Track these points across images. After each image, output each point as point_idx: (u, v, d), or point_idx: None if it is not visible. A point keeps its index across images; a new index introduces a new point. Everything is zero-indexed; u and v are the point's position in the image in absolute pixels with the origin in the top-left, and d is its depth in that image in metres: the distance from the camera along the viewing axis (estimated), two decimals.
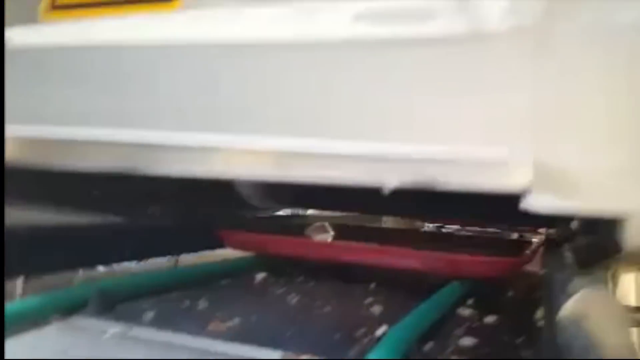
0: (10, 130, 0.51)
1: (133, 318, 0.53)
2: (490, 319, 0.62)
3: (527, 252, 0.88)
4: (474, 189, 0.36)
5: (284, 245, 0.83)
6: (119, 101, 0.49)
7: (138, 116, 0.48)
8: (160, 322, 0.53)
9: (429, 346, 0.50)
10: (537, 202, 0.34)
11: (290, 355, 0.46)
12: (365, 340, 0.51)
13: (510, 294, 0.77)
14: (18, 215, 0.69)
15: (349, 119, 0.40)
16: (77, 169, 0.52)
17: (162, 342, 0.48)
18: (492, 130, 0.36)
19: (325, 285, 0.75)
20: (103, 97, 0.49)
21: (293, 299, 0.66)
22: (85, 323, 0.52)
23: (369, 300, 0.66)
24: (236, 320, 0.55)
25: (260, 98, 0.43)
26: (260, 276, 0.78)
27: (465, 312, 0.64)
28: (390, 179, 0.39)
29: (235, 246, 0.88)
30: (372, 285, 0.73)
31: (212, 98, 0.44)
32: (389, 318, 0.55)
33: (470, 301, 0.67)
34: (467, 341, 0.52)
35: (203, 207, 1.10)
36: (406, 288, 0.74)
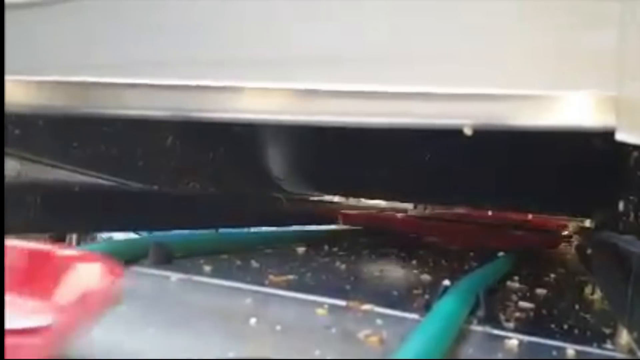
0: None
1: (192, 270, 0.54)
2: (540, 290, 0.62)
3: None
4: (560, 129, 0.36)
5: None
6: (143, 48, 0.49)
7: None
8: (220, 274, 0.53)
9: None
10: (628, 138, 0.34)
11: (356, 303, 0.46)
12: (426, 296, 0.51)
13: (552, 275, 0.77)
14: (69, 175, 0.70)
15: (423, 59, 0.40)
16: (119, 115, 0.52)
17: (227, 286, 0.48)
18: (574, 69, 0.36)
19: (364, 257, 0.76)
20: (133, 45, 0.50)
21: (341, 266, 0.66)
22: (146, 271, 0.52)
23: (417, 270, 0.66)
24: (291, 277, 0.56)
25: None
26: (301, 249, 0.78)
27: (514, 284, 0.64)
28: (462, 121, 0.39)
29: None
30: (415, 261, 0.74)
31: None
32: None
33: (516, 277, 0.67)
34: (526, 304, 0.52)
35: (236, 186, 1.12)
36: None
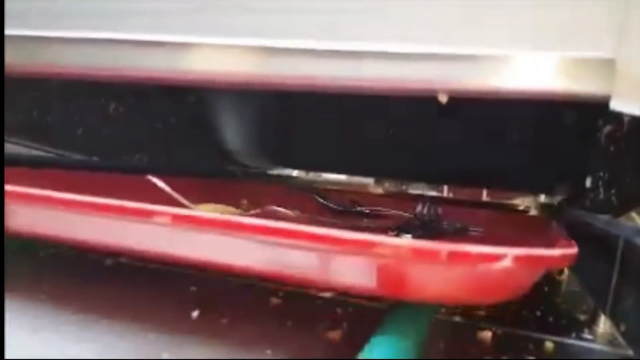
0: None
1: None
2: None
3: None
4: (550, 96, 0.32)
5: None
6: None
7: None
8: None
9: None
10: (624, 108, 0.30)
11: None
12: None
13: None
14: None
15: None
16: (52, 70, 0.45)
17: (169, 271, 0.42)
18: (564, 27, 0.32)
19: None
20: None
21: None
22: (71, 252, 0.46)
23: None
24: None
25: None
26: None
27: None
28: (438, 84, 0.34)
29: None
30: None
31: None
32: None
33: None
34: None
35: (187, 158, 1.05)
36: None
